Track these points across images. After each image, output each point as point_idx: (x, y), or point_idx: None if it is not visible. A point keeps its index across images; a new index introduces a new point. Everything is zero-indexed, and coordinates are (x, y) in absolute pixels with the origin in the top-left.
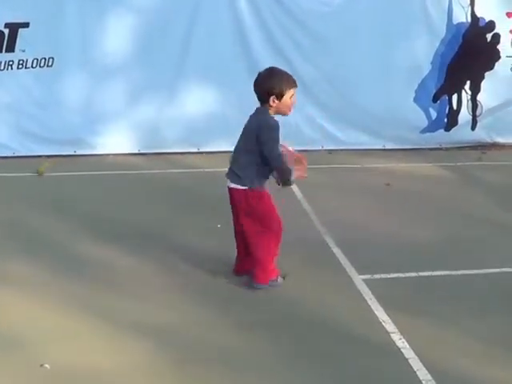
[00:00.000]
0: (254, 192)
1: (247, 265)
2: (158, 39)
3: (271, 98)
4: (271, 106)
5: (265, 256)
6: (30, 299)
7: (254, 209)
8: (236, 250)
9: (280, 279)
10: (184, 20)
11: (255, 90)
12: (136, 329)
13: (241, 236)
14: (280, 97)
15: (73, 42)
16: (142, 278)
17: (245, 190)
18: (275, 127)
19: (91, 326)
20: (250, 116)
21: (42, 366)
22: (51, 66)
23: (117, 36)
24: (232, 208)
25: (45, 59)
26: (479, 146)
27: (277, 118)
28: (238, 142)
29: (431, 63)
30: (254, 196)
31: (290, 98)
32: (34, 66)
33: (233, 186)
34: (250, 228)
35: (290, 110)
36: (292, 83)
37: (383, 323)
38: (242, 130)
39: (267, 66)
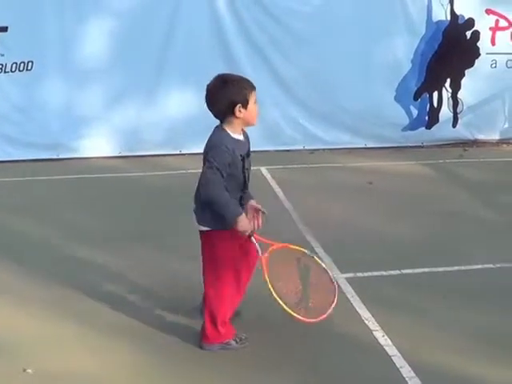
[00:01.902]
0: (216, 237)
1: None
2: (138, 42)
3: (237, 107)
4: (238, 118)
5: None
6: (12, 305)
7: (212, 252)
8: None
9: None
10: (163, 23)
11: (214, 107)
12: (119, 331)
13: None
14: (246, 104)
15: (52, 45)
16: (126, 280)
17: (207, 232)
18: (214, 147)
19: (74, 330)
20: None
21: (24, 370)
22: (30, 69)
23: (96, 39)
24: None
25: (24, 63)
26: (460, 143)
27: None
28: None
29: (411, 61)
30: (215, 240)
31: (254, 103)
32: (14, 70)
33: (196, 225)
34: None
35: (256, 118)
36: (251, 85)
37: (366, 321)
38: None
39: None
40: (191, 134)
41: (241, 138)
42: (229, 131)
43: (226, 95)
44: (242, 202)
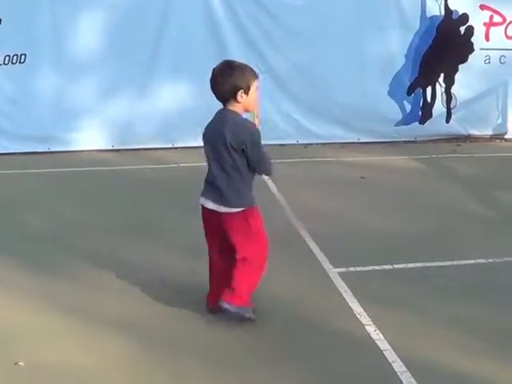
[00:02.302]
0: (249, 213)
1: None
2: (131, 35)
3: (239, 93)
4: (239, 103)
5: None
6: (3, 297)
7: (248, 232)
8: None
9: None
10: (156, 15)
11: (218, 89)
12: (109, 324)
13: (219, 266)
14: (247, 90)
15: (45, 38)
16: (116, 274)
17: (241, 212)
18: (255, 131)
19: (66, 323)
20: (214, 123)
21: (16, 363)
22: (23, 62)
23: (89, 32)
24: (212, 234)
25: (17, 56)
26: (454, 138)
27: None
28: (212, 157)
29: (405, 56)
30: (248, 217)
31: (255, 90)
32: (6, 62)
33: (225, 210)
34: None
35: (254, 104)
36: (254, 73)
37: (358, 316)
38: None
39: (241, 60)
40: (184, 128)
41: None
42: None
43: (231, 80)
44: None
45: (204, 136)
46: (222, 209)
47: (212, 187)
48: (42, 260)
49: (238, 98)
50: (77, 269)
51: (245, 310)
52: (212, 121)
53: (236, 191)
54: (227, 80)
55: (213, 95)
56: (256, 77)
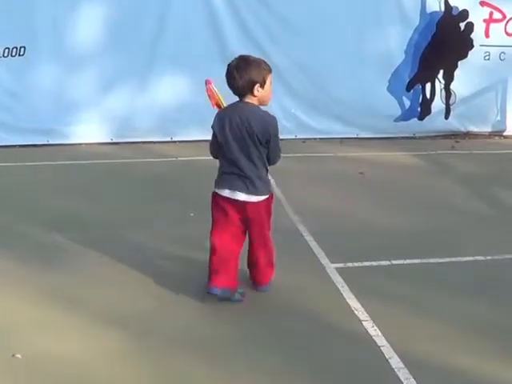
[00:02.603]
0: (271, 197)
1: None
2: (130, 28)
3: (255, 86)
4: (255, 97)
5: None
6: (2, 289)
7: (270, 213)
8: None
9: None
10: (156, 9)
11: (234, 84)
12: (109, 317)
13: (236, 253)
14: (263, 84)
15: (44, 31)
16: (115, 266)
17: (267, 198)
18: (275, 121)
19: (63, 316)
20: (233, 115)
21: (13, 356)
22: (23, 55)
23: (88, 25)
24: (229, 223)
25: (16, 48)
26: (452, 134)
27: None
28: (237, 148)
29: (405, 52)
30: (271, 201)
31: (270, 84)
32: (6, 55)
33: (254, 199)
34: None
35: (269, 100)
36: (269, 68)
37: (356, 311)
38: (216, 121)
39: (239, 54)
40: (183, 122)
41: None
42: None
43: (247, 74)
44: None
45: (221, 126)
46: (253, 198)
47: (240, 178)
48: (41, 252)
49: (255, 91)
50: (76, 261)
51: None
52: (229, 113)
53: (263, 180)
54: (244, 74)
55: None
56: (270, 71)
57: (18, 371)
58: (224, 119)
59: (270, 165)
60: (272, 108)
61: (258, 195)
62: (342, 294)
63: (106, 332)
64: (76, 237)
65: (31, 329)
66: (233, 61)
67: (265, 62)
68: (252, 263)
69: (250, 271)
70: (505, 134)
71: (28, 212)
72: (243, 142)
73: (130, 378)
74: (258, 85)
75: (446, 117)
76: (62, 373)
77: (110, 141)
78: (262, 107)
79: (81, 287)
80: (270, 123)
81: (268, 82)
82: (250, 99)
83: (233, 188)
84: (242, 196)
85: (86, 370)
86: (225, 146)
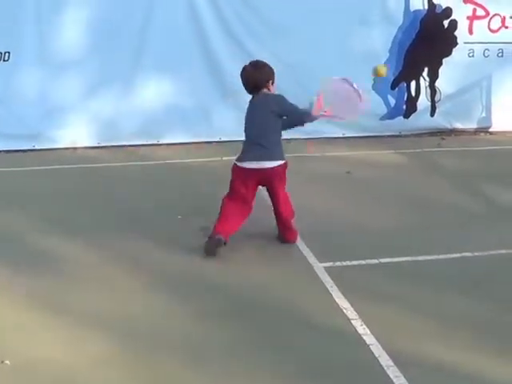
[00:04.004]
0: (286, 163)
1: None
2: (114, 32)
3: (269, 83)
4: (269, 90)
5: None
6: None
7: (285, 176)
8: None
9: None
10: (140, 12)
11: (253, 81)
12: (97, 321)
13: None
14: (274, 81)
15: (29, 35)
16: (103, 270)
17: (284, 163)
18: (279, 94)
19: (52, 321)
20: (255, 102)
21: (2, 362)
22: (7, 60)
23: (73, 29)
24: (249, 187)
25: (1, 54)
26: (438, 132)
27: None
28: (256, 125)
29: (389, 50)
30: (286, 166)
31: (274, 82)
32: None
33: (274, 164)
34: (285, 196)
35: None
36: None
37: (344, 310)
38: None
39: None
40: (169, 125)
41: None
42: None
43: (265, 73)
44: None
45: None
46: (271, 164)
47: (263, 149)
48: (28, 257)
49: (269, 86)
50: (63, 266)
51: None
52: (255, 99)
53: (277, 148)
54: (262, 72)
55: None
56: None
57: (6, 377)
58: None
59: (299, 123)
60: None
61: (274, 160)
62: (330, 293)
63: (93, 336)
64: (62, 241)
65: (18, 334)
66: (247, 65)
67: (269, 65)
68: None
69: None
70: (490, 130)
71: (14, 216)
72: (264, 119)
73: (116, 381)
74: (271, 81)
75: (432, 114)
76: (51, 378)
77: (96, 144)
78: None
79: (67, 291)
80: (278, 100)
81: (275, 80)
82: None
83: (257, 158)
84: (264, 164)
85: (74, 373)
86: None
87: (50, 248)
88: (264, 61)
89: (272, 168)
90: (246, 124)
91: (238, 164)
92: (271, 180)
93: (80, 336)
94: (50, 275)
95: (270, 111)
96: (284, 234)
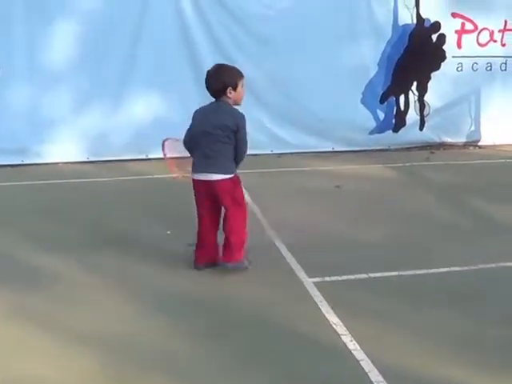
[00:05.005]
0: (236, 178)
1: (214, 252)
2: (104, 47)
3: (228, 89)
4: (229, 98)
5: (243, 237)
6: None
7: (236, 192)
8: (200, 243)
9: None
10: (130, 27)
11: (211, 86)
12: (84, 338)
13: (213, 225)
14: (235, 87)
15: (19, 50)
16: (90, 287)
17: (231, 177)
18: (242, 115)
19: (40, 338)
20: (207, 109)
21: None
22: None
23: (63, 44)
24: (204, 200)
25: None
26: (427, 146)
27: None
28: (205, 138)
29: (378, 65)
30: (237, 181)
31: (242, 87)
32: None
33: (218, 177)
34: (234, 214)
35: (242, 99)
36: (241, 74)
37: (334, 325)
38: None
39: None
40: (158, 139)
41: None
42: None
43: (223, 78)
44: None
45: (196, 120)
46: (213, 176)
47: (208, 161)
48: (16, 274)
49: (228, 93)
50: (50, 283)
51: (240, 264)
52: (205, 108)
53: (228, 161)
54: (220, 77)
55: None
56: (242, 76)
57: None
58: (198, 113)
59: (238, 155)
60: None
61: (220, 173)
62: (320, 309)
63: (82, 353)
64: (51, 258)
65: (7, 351)
66: (211, 68)
67: (236, 69)
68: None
69: None
70: (479, 143)
71: (2, 232)
72: (208, 132)
73: None
74: (230, 88)
75: (421, 128)
76: None
77: (85, 159)
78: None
79: (56, 309)
80: (237, 117)
81: (239, 86)
82: (224, 100)
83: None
84: (208, 176)
85: None
86: (195, 134)
87: (39, 264)
88: (229, 65)
89: (217, 181)
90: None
91: (192, 176)
92: (217, 194)
93: (69, 353)
94: (40, 292)
95: (225, 124)
96: (223, 252)
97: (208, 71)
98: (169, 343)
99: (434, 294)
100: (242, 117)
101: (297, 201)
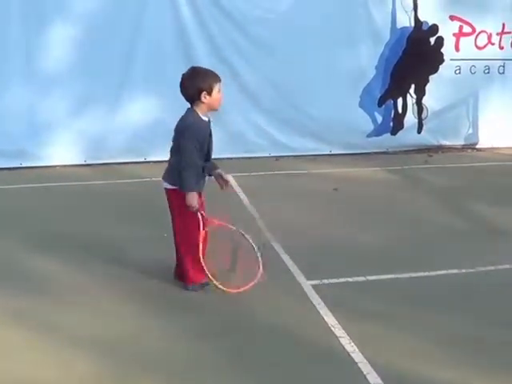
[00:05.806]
0: (177, 191)
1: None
2: (101, 49)
3: (202, 94)
4: (203, 103)
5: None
6: None
7: (180, 208)
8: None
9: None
10: (127, 30)
11: (185, 91)
12: (81, 341)
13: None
14: (210, 92)
15: (15, 52)
16: (88, 290)
17: (175, 189)
18: (190, 126)
19: (36, 341)
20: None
21: None
22: None
23: (60, 46)
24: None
25: None
26: (425, 149)
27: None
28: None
29: (376, 68)
30: (179, 195)
31: (218, 92)
32: None
33: (166, 186)
34: (180, 227)
35: (219, 104)
36: (217, 78)
37: (332, 328)
38: None
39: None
40: (155, 142)
41: (206, 119)
42: (198, 112)
43: (196, 83)
44: (204, 170)
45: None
46: (164, 184)
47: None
48: (13, 277)
49: (202, 98)
50: (50, 286)
51: (195, 287)
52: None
53: (175, 171)
54: (192, 83)
55: (182, 109)
56: (218, 80)
57: None
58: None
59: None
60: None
61: (168, 183)
62: (318, 311)
63: (80, 356)
64: (49, 261)
65: (4, 355)
66: (185, 72)
67: (213, 72)
68: None
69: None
70: (477, 146)
71: (0, 235)
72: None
73: None
74: (204, 92)
75: (419, 131)
76: None
77: (83, 162)
78: (211, 111)
79: (54, 312)
80: (186, 126)
81: (215, 91)
82: (198, 105)
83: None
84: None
85: None
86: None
87: (37, 267)
88: (205, 68)
89: (166, 189)
90: None
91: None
92: (168, 202)
93: (67, 357)
94: (37, 295)
95: (177, 133)
96: (176, 268)
97: (183, 75)
98: (169, 344)
99: (432, 297)
100: (187, 125)
101: (295, 203)
